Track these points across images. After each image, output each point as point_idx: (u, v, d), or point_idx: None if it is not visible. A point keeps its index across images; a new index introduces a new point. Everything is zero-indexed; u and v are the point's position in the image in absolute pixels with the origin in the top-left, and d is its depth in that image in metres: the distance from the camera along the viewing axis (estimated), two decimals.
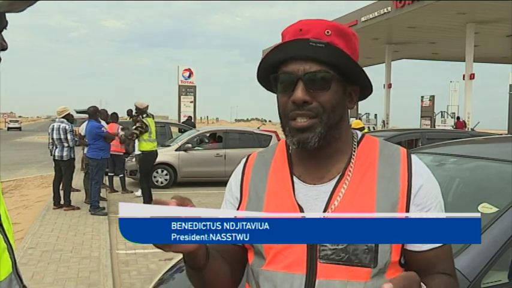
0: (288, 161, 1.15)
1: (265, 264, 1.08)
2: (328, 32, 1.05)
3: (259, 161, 1.20)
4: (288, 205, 1.08)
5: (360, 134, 1.17)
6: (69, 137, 8.28)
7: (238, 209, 1.16)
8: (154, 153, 8.79)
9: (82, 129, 9.44)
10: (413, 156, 1.12)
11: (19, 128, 59.09)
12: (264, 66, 1.12)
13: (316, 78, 1.04)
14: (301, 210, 1.07)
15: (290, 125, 1.07)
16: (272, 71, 1.10)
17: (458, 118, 20.92)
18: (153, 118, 9.09)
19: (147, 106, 8.85)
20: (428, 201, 1.06)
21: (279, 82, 1.08)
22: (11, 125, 60.64)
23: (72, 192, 8.76)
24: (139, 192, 9.95)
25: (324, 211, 1.05)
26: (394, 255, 1.04)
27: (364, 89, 1.14)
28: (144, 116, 8.76)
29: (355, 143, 1.14)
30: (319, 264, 1.02)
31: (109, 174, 10.34)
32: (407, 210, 1.04)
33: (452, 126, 22.87)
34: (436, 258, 1.06)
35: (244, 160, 1.24)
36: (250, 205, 1.13)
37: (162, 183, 11.33)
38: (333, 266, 1.01)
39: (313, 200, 1.08)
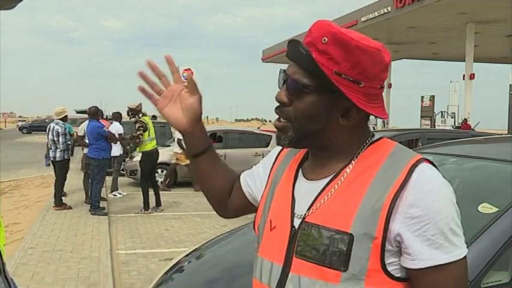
0: (304, 155, 1.20)
1: (259, 250, 1.16)
2: (325, 39, 1.00)
3: (289, 152, 1.25)
4: (286, 196, 1.13)
5: (376, 136, 1.11)
6: (60, 139, 8.34)
7: (264, 190, 1.24)
8: (154, 153, 8.70)
9: (81, 130, 9.45)
10: (423, 165, 1.00)
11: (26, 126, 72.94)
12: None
13: (292, 85, 1.05)
14: (293, 202, 1.10)
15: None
16: None
17: (465, 120, 20.15)
18: (154, 118, 9.05)
19: (140, 104, 8.83)
20: (424, 221, 0.95)
21: (278, 78, 1.12)
22: (20, 124, 74.81)
23: (71, 193, 8.76)
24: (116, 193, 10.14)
25: (310, 207, 1.06)
26: (372, 263, 0.96)
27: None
28: (140, 115, 8.77)
29: (364, 146, 1.08)
30: (294, 259, 1.04)
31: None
32: (388, 222, 0.96)
33: (452, 126, 22.83)
34: (435, 282, 0.97)
35: (279, 148, 1.30)
36: (269, 190, 1.20)
37: (162, 183, 11.33)
38: (305, 262, 1.02)
39: (305, 195, 1.09)
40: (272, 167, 1.25)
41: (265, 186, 1.24)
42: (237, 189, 1.33)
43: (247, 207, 1.33)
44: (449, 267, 0.95)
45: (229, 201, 1.35)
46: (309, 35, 1.04)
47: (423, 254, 0.95)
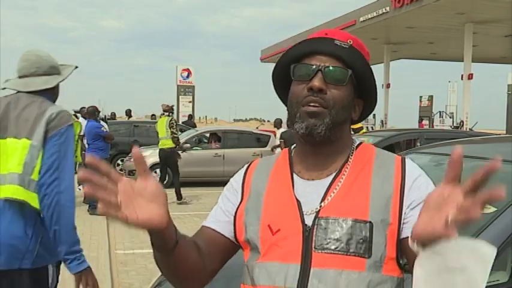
0: (289, 162, 1.20)
1: (261, 257, 1.10)
2: (350, 41, 1.14)
3: (262, 165, 1.24)
4: (286, 199, 1.12)
5: (358, 141, 1.23)
6: None
7: (239, 205, 1.18)
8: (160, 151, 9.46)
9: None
10: (407, 160, 1.17)
11: None
12: (284, 60, 1.16)
13: (334, 74, 1.10)
14: (299, 203, 1.10)
15: (301, 110, 1.10)
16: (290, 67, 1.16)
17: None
18: (170, 116, 9.54)
19: (163, 105, 9.51)
20: (424, 194, 1.04)
21: (298, 71, 1.12)
22: None
23: None
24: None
25: (320, 202, 1.09)
26: (389, 250, 1.06)
27: (367, 104, 1.20)
28: (160, 115, 9.61)
29: (354, 147, 1.19)
30: (314, 254, 1.05)
31: None
32: (401, 205, 1.07)
33: (451, 126, 22.88)
34: None
35: (246, 165, 1.28)
36: (250, 201, 1.16)
37: None
38: (328, 255, 1.04)
39: (310, 194, 1.11)
40: (244, 182, 1.21)
41: (241, 201, 1.19)
42: (212, 242, 1.17)
43: (232, 249, 1.20)
44: None
45: (206, 264, 1.16)
46: (331, 36, 1.13)
47: None
